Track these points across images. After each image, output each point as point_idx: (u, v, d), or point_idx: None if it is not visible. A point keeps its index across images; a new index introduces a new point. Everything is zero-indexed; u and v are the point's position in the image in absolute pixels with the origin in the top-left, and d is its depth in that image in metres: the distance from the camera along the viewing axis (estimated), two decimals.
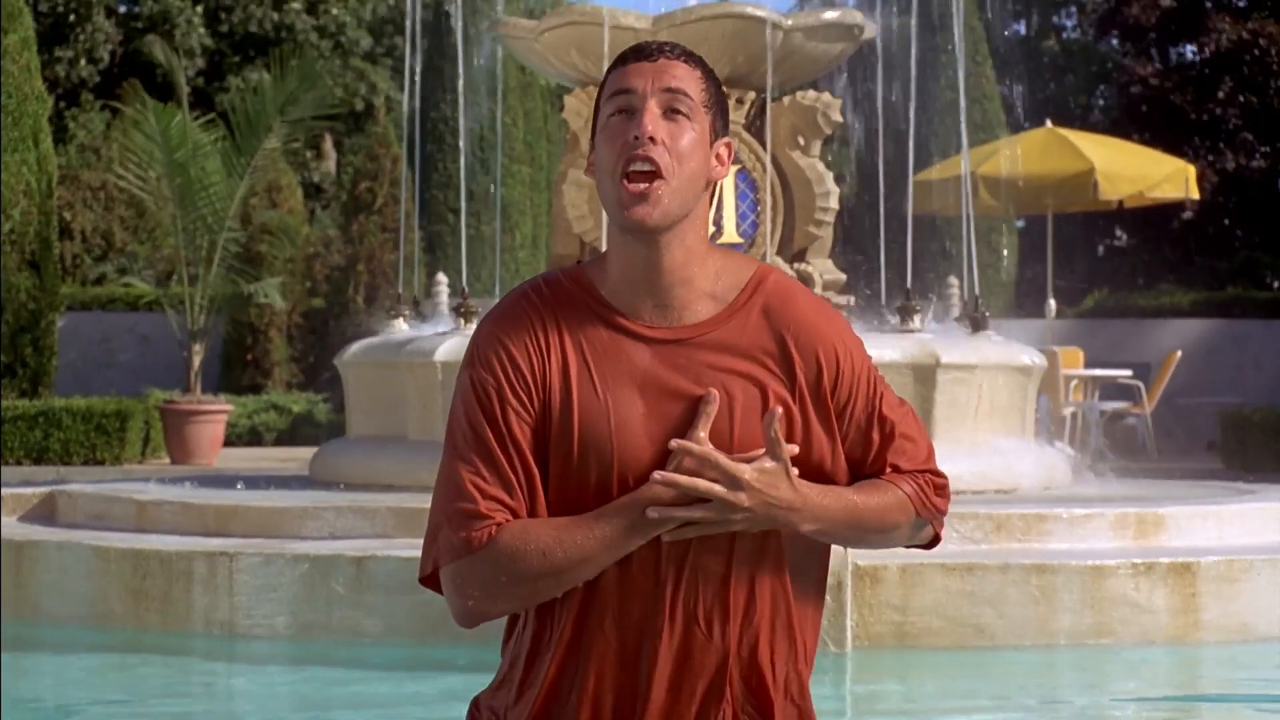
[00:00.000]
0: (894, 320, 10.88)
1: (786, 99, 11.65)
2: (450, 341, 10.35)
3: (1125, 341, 22.17)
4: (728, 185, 11.21)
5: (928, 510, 2.80)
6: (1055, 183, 18.91)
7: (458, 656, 7.76)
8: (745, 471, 2.62)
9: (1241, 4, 30.95)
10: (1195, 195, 19.95)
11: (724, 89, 2.82)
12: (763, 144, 11.33)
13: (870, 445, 2.77)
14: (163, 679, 8.18)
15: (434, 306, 12.51)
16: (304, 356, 24.10)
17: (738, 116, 11.31)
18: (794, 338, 2.72)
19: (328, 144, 34.62)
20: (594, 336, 2.70)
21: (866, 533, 2.76)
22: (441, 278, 12.95)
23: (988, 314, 11.45)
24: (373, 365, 11.07)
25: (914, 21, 12.33)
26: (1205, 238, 30.70)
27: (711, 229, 2.82)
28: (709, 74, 2.76)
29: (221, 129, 20.09)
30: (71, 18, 34.81)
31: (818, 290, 10.77)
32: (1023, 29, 38.58)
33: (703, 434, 2.64)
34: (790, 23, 11.33)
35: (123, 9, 36.95)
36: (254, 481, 11.49)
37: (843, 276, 11.65)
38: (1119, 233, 32.94)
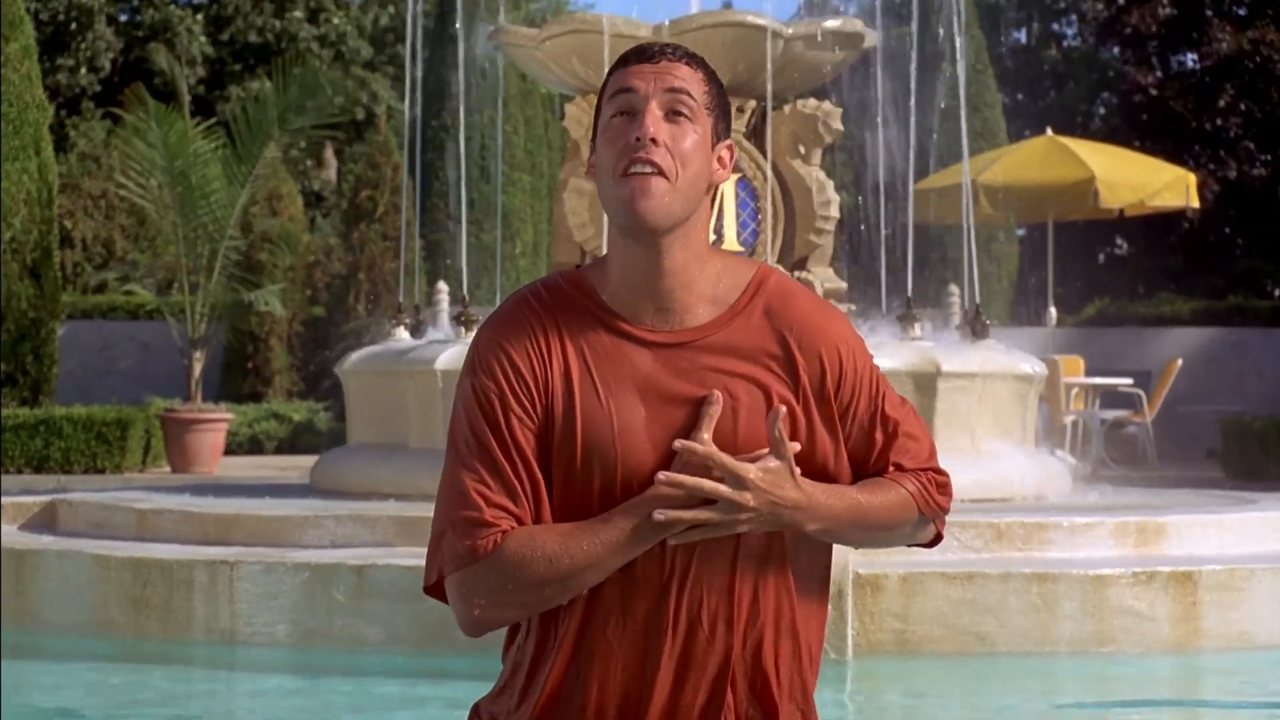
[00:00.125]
0: (895, 328, 10.88)
1: (787, 107, 11.66)
2: (451, 350, 10.34)
3: (1126, 350, 22.17)
4: (728, 193, 11.22)
5: (931, 508, 2.79)
6: (1056, 191, 18.92)
7: (458, 664, 7.75)
8: (750, 471, 2.61)
9: (1242, 12, 30.97)
10: (1195, 204, 19.95)
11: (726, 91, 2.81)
12: (763, 152, 11.33)
13: (873, 445, 2.76)
14: (163, 687, 8.17)
15: (435, 315, 12.51)
16: (305, 365, 24.11)
17: (738, 125, 11.31)
18: (796, 338, 2.71)
19: (328, 152, 34.64)
20: (595, 341, 2.69)
21: (871, 531, 2.75)
22: (442, 286, 12.95)
23: (988, 322, 11.44)
24: (373, 374, 11.07)
25: (914, 30, 12.33)
26: (1206, 246, 30.71)
27: (712, 237, 2.80)
28: (711, 76, 2.75)
29: (222, 137, 20.10)
30: (73, 26, 34.85)
31: None
32: (1023, 37, 38.61)
33: (706, 435, 2.63)
34: (791, 31, 11.33)
35: (124, 18, 36.98)
36: (255, 490, 11.48)
37: (843, 285, 11.65)
38: (1119, 241, 32.95)
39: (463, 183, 14.65)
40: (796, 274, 11.21)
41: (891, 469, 2.77)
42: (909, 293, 11.17)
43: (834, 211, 11.53)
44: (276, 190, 23.73)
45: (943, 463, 2.87)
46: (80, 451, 18.12)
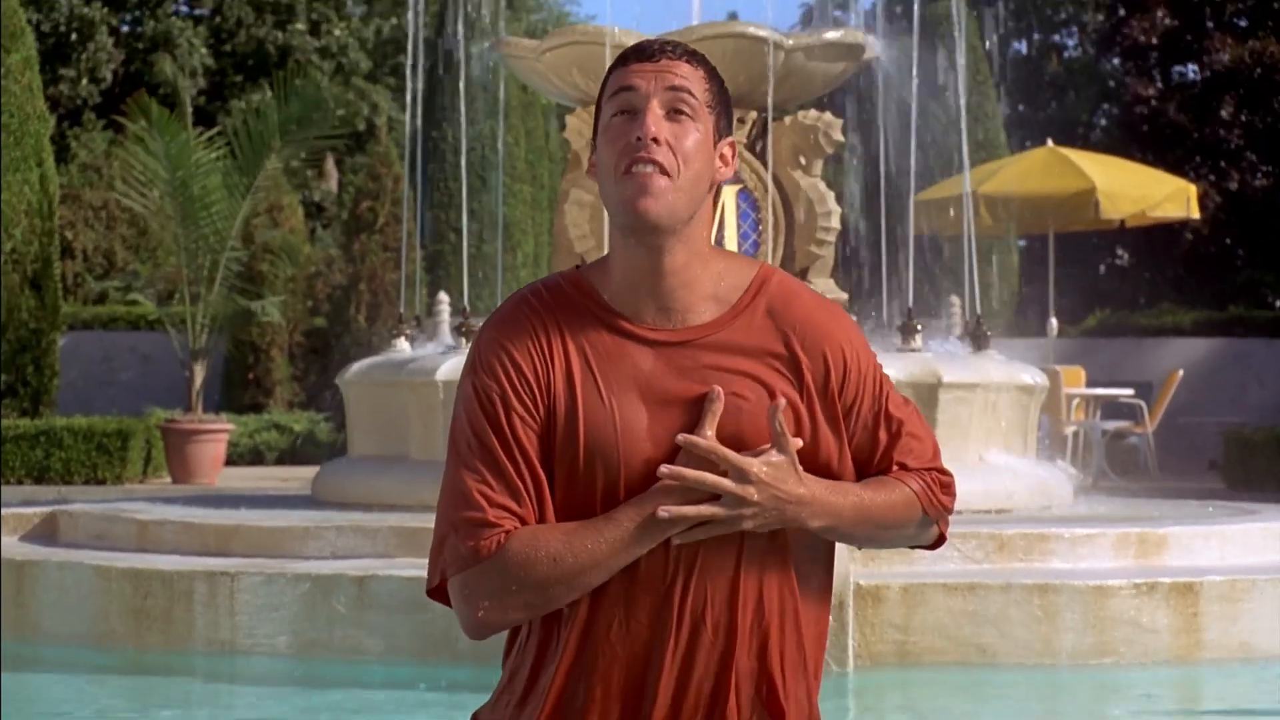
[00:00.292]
0: (896, 339, 10.88)
1: (788, 118, 11.67)
2: (452, 360, 10.34)
3: (1127, 361, 22.17)
4: (729, 204, 11.22)
5: (935, 508, 2.77)
6: (1056, 202, 18.93)
7: (459, 675, 7.75)
8: (753, 465, 2.60)
9: (1242, 24, 30.99)
10: (1196, 215, 19.96)
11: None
12: (764, 163, 11.34)
13: (877, 444, 2.75)
14: (164, 698, 8.17)
15: (436, 326, 12.51)
16: (305, 375, 24.11)
17: (739, 136, 11.32)
18: (799, 337, 2.69)
19: (329, 163, 34.66)
20: (596, 340, 2.67)
21: (874, 529, 2.73)
22: (443, 297, 12.95)
23: (989, 333, 11.45)
24: (374, 384, 11.07)
25: (915, 41, 12.34)
26: (1207, 257, 30.71)
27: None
28: (712, 73, 2.73)
29: (224, 148, 20.11)
30: (74, 37, 34.88)
31: None
32: (1024, 48, 38.63)
33: (710, 432, 2.61)
34: (791, 42, 11.34)
35: (125, 29, 37.02)
36: (255, 501, 11.48)
37: (844, 296, 11.65)
38: (1120, 252, 32.96)
39: (463, 194, 14.67)
40: None
41: (895, 468, 2.75)
42: (910, 303, 11.17)
43: (835, 222, 11.54)
44: (278, 201, 23.75)
45: None
46: (81, 462, 18.12)
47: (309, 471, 13.93)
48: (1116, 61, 34.28)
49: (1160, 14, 30.51)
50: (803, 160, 11.54)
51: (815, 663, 2.75)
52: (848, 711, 7.64)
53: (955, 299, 12.55)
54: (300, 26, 35.91)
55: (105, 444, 18.22)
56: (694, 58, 2.71)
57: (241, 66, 36.45)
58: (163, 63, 34.61)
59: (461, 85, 13.88)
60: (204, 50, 35.59)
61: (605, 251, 2.83)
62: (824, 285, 11.42)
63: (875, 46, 11.95)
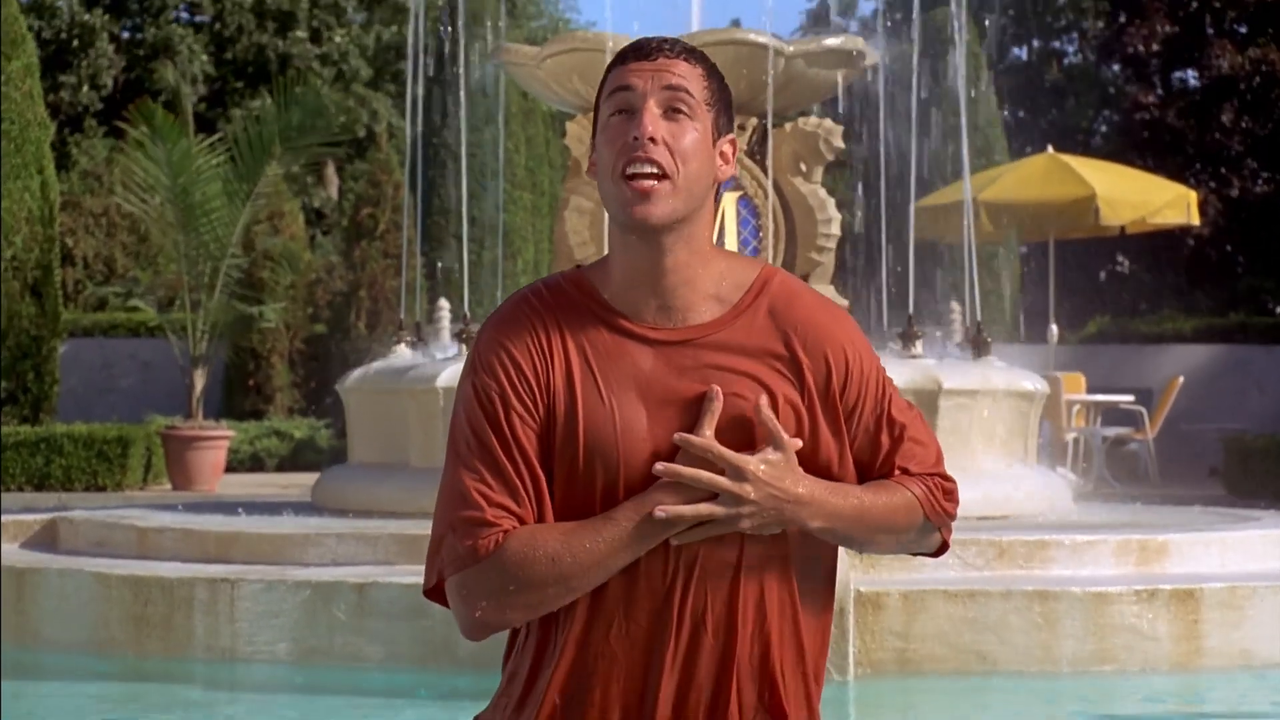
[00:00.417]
0: (896, 345, 10.88)
1: (788, 125, 11.67)
2: (452, 368, 10.34)
3: (1127, 367, 22.17)
4: (729, 211, 11.22)
5: (937, 514, 2.74)
6: (1057, 209, 18.92)
7: (460, 682, 7.75)
8: (750, 462, 2.58)
9: (1243, 30, 31.00)
10: (1197, 221, 19.96)
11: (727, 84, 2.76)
12: (764, 170, 11.34)
13: (879, 448, 2.72)
14: (164, 705, 8.17)
15: (436, 332, 12.52)
16: (306, 382, 24.11)
17: (739, 143, 11.32)
18: (801, 338, 2.67)
19: (330, 170, 34.67)
20: (597, 339, 2.65)
21: (875, 533, 2.70)
22: (443, 304, 12.95)
23: (990, 339, 11.45)
24: (375, 391, 11.07)
25: (916, 47, 12.34)
26: (1207, 264, 30.72)
27: None
28: (711, 70, 2.71)
29: (225, 154, 20.11)
30: (75, 44, 34.90)
31: None
32: (1024, 55, 38.65)
33: (708, 431, 2.59)
34: (792, 49, 11.34)
35: (126, 36, 37.04)
36: (256, 508, 11.48)
37: (845, 303, 11.65)
38: (1121, 258, 32.96)
39: (464, 201, 14.67)
40: None
41: (897, 473, 2.72)
42: (910, 310, 11.17)
43: (835, 229, 11.54)
44: (278, 208, 23.75)
45: None
46: (81, 469, 18.11)
47: (309, 478, 13.93)
48: (1117, 68, 34.30)
49: (1160, 21, 30.52)
50: (803, 167, 11.54)
51: (817, 667, 2.72)
52: (848, 718, 7.63)
53: (956, 305, 12.56)
54: (301, 34, 35.93)
55: (105, 451, 18.21)
56: (692, 55, 2.70)
57: (242, 73, 36.47)
58: (164, 70, 34.62)
59: (462, 92, 13.88)
60: (204, 57, 35.61)
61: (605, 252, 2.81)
62: (825, 292, 11.41)
63: (876, 53, 11.95)
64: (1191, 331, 24.18)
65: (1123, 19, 32.11)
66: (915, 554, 2.84)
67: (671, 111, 2.64)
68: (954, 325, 12.31)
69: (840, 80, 11.85)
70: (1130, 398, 18.72)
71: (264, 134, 19.37)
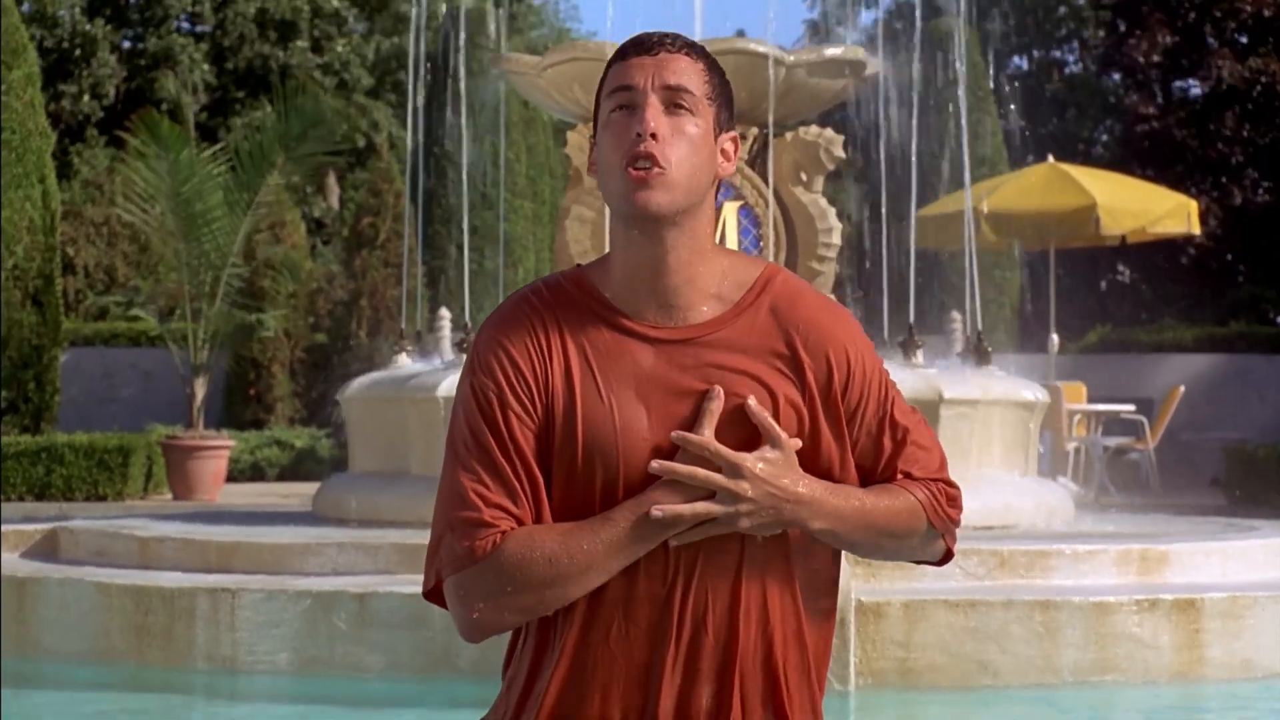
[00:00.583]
0: (897, 354, 10.88)
1: (789, 135, 11.67)
2: (453, 377, 10.33)
3: (1128, 377, 22.16)
4: (730, 220, 11.23)
5: (940, 519, 2.71)
6: (1057, 218, 18.92)
7: (460, 691, 7.74)
8: (747, 460, 2.55)
9: (1243, 40, 31.02)
10: (1197, 230, 19.95)
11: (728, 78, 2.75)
12: (765, 179, 11.34)
13: (881, 451, 2.69)
14: (165, 715, 8.16)
15: (437, 341, 12.51)
16: (307, 391, 24.11)
17: (740, 152, 11.31)
18: (803, 338, 2.64)
19: (330, 179, 34.68)
20: (597, 338, 2.63)
21: (877, 536, 2.67)
22: (444, 312, 12.95)
23: (990, 349, 11.44)
24: (375, 400, 11.06)
25: (916, 57, 12.35)
26: (1208, 273, 30.73)
27: None
28: (712, 65, 2.68)
29: (225, 164, 20.13)
30: (76, 54, 34.92)
31: None
32: (1024, 64, 38.67)
33: (708, 431, 2.57)
34: (793, 59, 11.34)
35: (127, 45, 37.07)
36: (256, 517, 11.47)
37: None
38: (1121, 268, 32.96)
39: (465, 210, 14.68)
40: None
41: (900, 477, 2.69)
42: (911, 319, 11.17)
43: (836, 239, 11.54)
44: (280, 217, 23.76)
45: None
46: (82, 479, 18.12)
47: (310, 488, 13.93)
48: (1117, 77, 34.32)
49: (1161, 32, 30.54)
50: (804, 176, 11.54)
51: (819, 673, 2.70)
52: None
53: (957, 315, 12.55)
54: (302, 44, 35.95)
55: (106, 460, 18.22)
56: (693, 50, 2.67)
57: (243, 83, 36.50)
58: (165, 79, 34.65)
59: (463, 101, 13.89)
60: (206, 67, 35.63)
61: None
62: None
63: (876, 63, 11.95)
64: (1192, 341, 24.18)
65: (1123, 27, 32.14)
66: (919, 563, 2.81)
67: (673, 107, 2.62)
68: (955, 334, 12.30)
69: (841, 90, 11.86)
70: (1131, 407, 18.71)
71: (265, 143, 19.38)
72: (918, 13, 12.48)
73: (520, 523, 2.59)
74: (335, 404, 12.74)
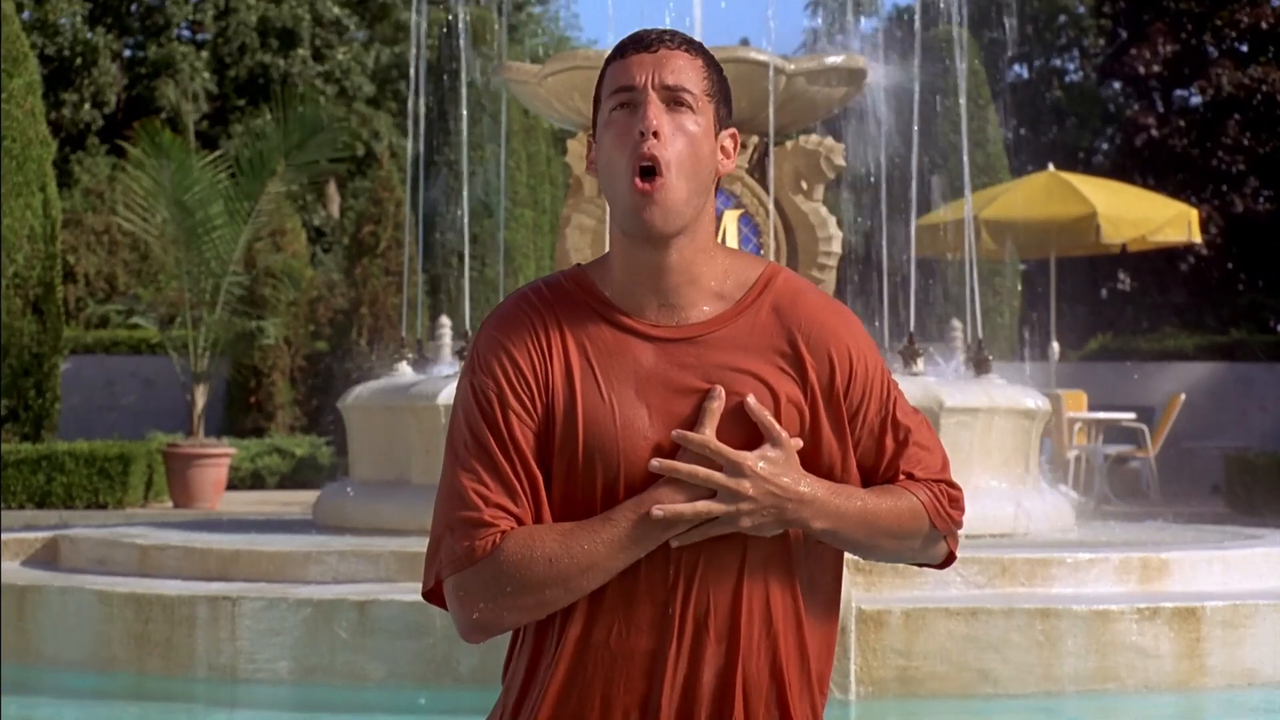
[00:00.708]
0: (897, 363, 10.88)
1: (789, 143, 11.68)
2: (453, 385, 10.33)
3: (1129, 385, 22.16)
4: (730, 228, 11.23)
5: (943, 520, 2.69)
6: (1058, 227, 18.93)
7: (461, 700, 7.74)
8: (748, 458, 2.54)
9: (1243, 49, 31.04)
10: (1198, 239, 19.96)
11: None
12: (766, 188, 11.34)
13: (884, 451, 2.68)
14: None
15: (437, 349, 12.51)
16: (307, 399, 24.11)
17: (741, 161, 11.32)
18: (805, 336, 2.63)
19: (331, 188, 34.70)
20: (597, 336, 2.62)
21: (879, 536, 2.65)
22: (445, 321, 12.95)
23: (991, 357, 11.44)
24: (376, 409, 11.06)
25: (917, 65, 12.36)
26: (1209, 281, 30.74)
27: None
28: (710, 62, 2.67)
29: (225, 171, 20.13)
30: (78, 62, 34.93)
31: None
32: (1025, 73, 38.68)
33: (709, 430, 2.56)
34: (793, 67, 11.35)
35: (128, 54, 37.09)
36: (257, 526, 11.47)
37: None
38: (1122, 276, 32.98)
39: (465, 218, 14.67)
40: None
41: (902, 478, 2.68)
42: (911, 327, 11.18)
43: (836, 247, 11.55)
44: (280, 225, 23.77)
45: None
46: (82, 487, 18.11)
47: (310, 496, 13.92)
48: (1118, 85, 34.34)
49: (1161, 41, 30.56)
50: (804, 185, 11.55)
51: (822, 679, 2.68)
52: None
53: (957, 323, 12.55)
54: (303, 52, 35.97)
55: (107, 468, 18.21)
56: (692, 47, 2.66)
57: (244, 91, 36.52)
58: (165, 87, 34.67)
59: (464, 110, 13.90)
60: (206, 75, 35.65)
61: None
62: None
63: (877, 71, 11.96)
64: (1193, 349, 24.19)
65: (1124, 35, 32.16)
66: (921, 565, 2.79)
67: (675, 104, 2.61)
68: (955, 343, 12.30)
69: (842, 98, 11.87)
70: (1132, 415, 18.71)
71: (265, 151, 19.38)
72: (917, 21, 12.48)
73: (520, 522, 2.57)
74: (336, 412, 12.74)
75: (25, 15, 33.13)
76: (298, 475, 21.60)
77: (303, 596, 8.41)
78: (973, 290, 11.99)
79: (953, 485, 2.72)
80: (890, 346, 11.61)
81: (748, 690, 2.60)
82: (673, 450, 2.57)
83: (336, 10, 36.73)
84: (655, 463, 2.55)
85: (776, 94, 11.09)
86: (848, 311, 2.71)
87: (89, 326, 26.07)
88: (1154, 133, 29.93)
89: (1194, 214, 19.63)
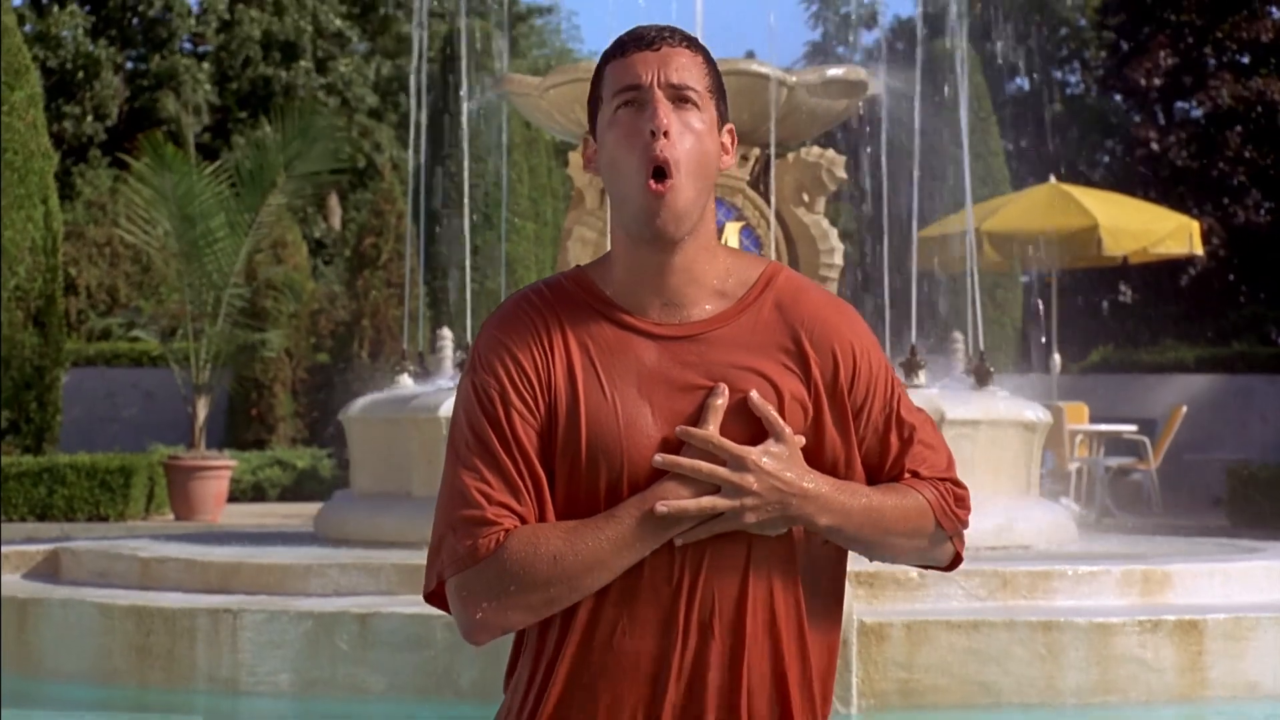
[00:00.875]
0: (899, 375, 10.87)
1: (791, 155, 11.68)
2: (455, 397, 10.31)
3: (1130, 397, 22.16)
4: (732, 241, 11.23)
5: (949, 519, 2.67)
6: (1060, 239, 18.93)
7: (462, 713, 7.73)
8: (751, 453, 2.52)
9: (1244, 61, 31.06)
10: (1199, 251, 19.97)
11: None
12: (767, 200, 11.35)
13: (888, 450, 2.66)
14: None
15: (439, 362, 12.51)
16: (308, 412, 24.11)
17: (742, 173, 11.33)
18: (808, 333, 2.62)
19: (333, 200, 34.72)
20: (599, 335, 2.61)
21: (885, 535, 2.62)
22: (446, 333, 12.95)
23: (992, 369, 11.44)
24: (377, 421, 11.06)
25: (918, 77, 12.36)
26: (1210, 293, 30.73)
27: None
28: (709, 58, 2.67)
29: (226, 183, 20.14)
30: (80, 75, 34.95)
31: None
32: (1026, 85, 38.70)
33: (712, 427, 2.54)
34: (795, 79, 11.36)
35: (130, 66, 37.12)
36: (258, 538, 11.46)
37: None
38: (1123, 288, 32.97)
39: (467, 230, 14.68)
40: None
41: (907, 476, 2.66)
42: (913, 339, 11.18)
43: (838, 259, 11.55)
44: (281, 237, 23.79)
45: None
46: (84, 499, 18.11)
47: (311, 508, 13.92)
48: (1119, 98, 34.36)
49: (1162, 54, 30.58)
50: (805, 197, 11.55)
51: (825, 688, 2.66)
52: None
53: (959, 335, 12.55)
54: (306, 64, 36.00)
55: (108, 481, 18.21)
56: (692, 43, 2.66)
57: (246, 103, 36.54)
58: (166, 100, 34.69)
59: (465, 122, 13.90)
60: (209, 87, 35.68)
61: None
62: None
63: (878, 83, 11.97)
64: (1194, 361, 24.18)
65: (1125, 46, 32.18)
66: (928, 567, 2.76)
67: (680, 102, 2.61)
68: (957, 355, 12.30)
69: (843, 111, 11.87)
70: (1133, 427, 18.70)
71: (266, 163, 19.39)
72: (918, 33, 12.49)
73: (524, 521, 2.55)
74: (337, 424, 12.73)
75: (27, 28, 33.17)
76: (299, 488, 21.60)
77: (304, 609, 8.40)
78: (974, 302, 11.99)
79: (959, 484, 2.70)
80: (892, 358, 11.61)
81: (754, 691, 2.58)
82: (676, 448, 2.56)
83: (338, 22, 36.77)
84: (658, 458, 2.53)
85: (778, 106, 11.10)
86: (850, 308, 2.71)
87: (90, 339, 26.07)
88: (1155, 145, 29.95)
89: (1195, 226, 19.63)
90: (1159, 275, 29.24)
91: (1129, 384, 22.97)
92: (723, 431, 2.56)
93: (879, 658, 7.92)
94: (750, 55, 16.60)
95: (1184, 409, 19.32)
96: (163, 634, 8.56)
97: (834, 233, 11.61)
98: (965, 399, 10.77)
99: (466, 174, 14.89)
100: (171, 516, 18.60)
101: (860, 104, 12.02)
